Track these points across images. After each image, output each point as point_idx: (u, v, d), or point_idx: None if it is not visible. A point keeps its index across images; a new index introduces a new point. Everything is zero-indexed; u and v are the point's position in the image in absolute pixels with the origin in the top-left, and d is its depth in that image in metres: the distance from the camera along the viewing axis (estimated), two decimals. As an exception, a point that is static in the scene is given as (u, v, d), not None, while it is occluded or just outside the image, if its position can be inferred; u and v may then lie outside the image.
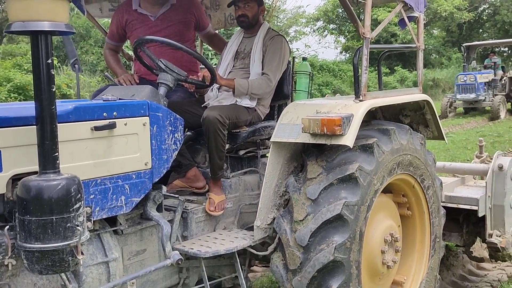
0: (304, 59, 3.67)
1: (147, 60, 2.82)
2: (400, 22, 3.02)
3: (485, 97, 15.14)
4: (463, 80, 15.26)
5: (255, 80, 3.04)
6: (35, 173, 1.92)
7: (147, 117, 2.29)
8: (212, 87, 3.02)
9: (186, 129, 2.97)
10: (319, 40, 27.55)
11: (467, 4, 28.98)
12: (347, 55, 27.58)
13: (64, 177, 1.77)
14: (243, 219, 2.98)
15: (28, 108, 1.95)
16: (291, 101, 3.37)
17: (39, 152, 1.76)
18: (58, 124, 1.87)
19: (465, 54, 16.67)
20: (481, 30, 34.18)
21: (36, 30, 1.66)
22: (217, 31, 3.84)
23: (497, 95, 15.29)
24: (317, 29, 27.95)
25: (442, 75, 25.15)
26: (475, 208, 3.50)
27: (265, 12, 3.32)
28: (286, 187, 2.65)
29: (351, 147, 2.44)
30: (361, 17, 2.72)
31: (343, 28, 27.18)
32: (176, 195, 2.59)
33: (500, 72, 16.08)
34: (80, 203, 1.79)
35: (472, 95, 15.10)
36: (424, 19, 3.07)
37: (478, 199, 3.47)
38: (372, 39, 2.56)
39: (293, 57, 3.31)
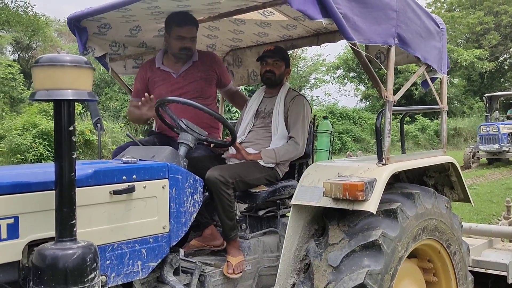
0: (325, 118, 3.66)
1: (168, 119, 2.84)
2: (423, 83, 3.00)
3: (509, 148, 14.87)
4: (486, 130, 15.08)
5: (281, 148, 3.04)
6: (51, 238, 1.91)
7: (167, 180, 2.28)
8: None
9: (206, 187, 2.94)
10: (339, 88, 27.79)
11: (488, 54, 29.08)
12: (367, 102, 27.68)
13: (81, 245, 1.73)
14: (262, 282, 2.89)
15: (47, 172, 1.95)
16: (312, 160, 3.34)
17: (57, 219, 1.74)
18: (77, 189, 1.87)
19: (487, 104, 16.55)
20: (502, 80, 34.12)
21: (59, 99, 1.68)
22: (239, 88, 3.88)
23: (522, 146, 15.01)
24: (337, 77, 28.26)
25: (464, 124, 24.94)
26: (504, 274, 3.33)
27: (289, 75, 3.35)
28: (307, 251, 2.56)
29: (374, 213, 2.37)
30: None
31: (363, 76, 27.41)
32: (194, 260, 2.53)
33: (523, 123, 15.84)
34: (95, 272, 1.74)
35: (496, 146, 14.85)
36: (447, 80, 3.04)
37: (508, 265, 3.31)
38: (395, 102, 2.54)
39: (314, 116, 3.29)
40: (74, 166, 1.76)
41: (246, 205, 3.13)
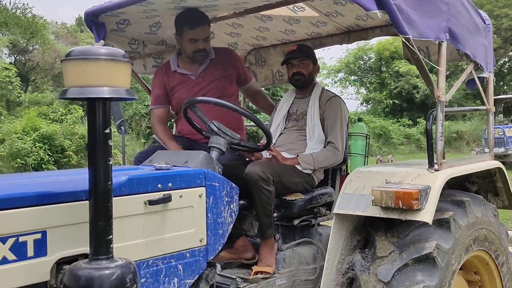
0: (359, 120, 3.46)
1: (197, 121, 2.63)
2: (468, 83, 2.80)
3: (515, 151, 14.75)
4: (491, 133, 14.92)
5: (320, 153, 2.85)
6: (83, 256, 1.69)
7: (204, 188, 2.06)
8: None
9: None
10: (341, 91, 27.61)
11: (488, 57, 28.93)
12: (368, 106, 27.54)
13: (119, 264, 1.52)
14: (298, 296, 2.68)
15: (77, 180, 1.74)
16: (346, 166, 3.14)
17: (91, 234, 1.53)
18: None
19: (491, 107, 16.40)
20: (501, 83, 34.11)
21: (94, 97, 1.47)
22: (262, 89, 3.67)
23: (527, 149, 14.88)
24: (338, 81, 28.11)
25: (466, 128, 24.83)
26: (548, 285, 3.13)
27: (318, 71, 3.15)
28: (352, 264, 2.36)
29: (430, 223, 2.17)
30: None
31: (365, 79, 27.29)
32: (233, 276, 2.32)
33: (528, 126, 15.73)
34: (135, 294, 1.53)
35: (501, 149, 14.69)
36: (494, 79, 2.85)
37: (553, 275, 3.11)
38: (446, 102, 2.34)
39: (348, 117, 3.09)
40: (111, 174, 1.55)
41: (277, 214, 2.92)
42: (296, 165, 2.77)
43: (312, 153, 2.82)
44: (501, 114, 16.54)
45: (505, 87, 34.25)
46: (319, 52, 27.16)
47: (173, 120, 3.40)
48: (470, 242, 2.43)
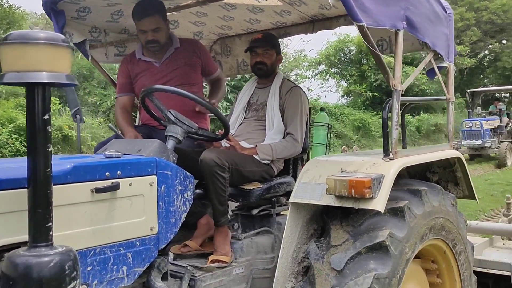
0: (322, 109, 3.46)
1: (154, 110, 2.60)
2: (428, 72, 2.81)
3: (491, 144, 14.94)
4: (468, 126, 15.13)
5: (279, 144, 2.84)
6: (25, 243, 1.67)
7: (155, 176, 2.04)
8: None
9: (196, 182, 2.72)
10: (321, 83, 27.64)
11: (469, 50, 29.36)
12: (349, 98, 27.65)
13: (58, 251, 1.49)
14: (256, 285, 2.67)
15: (20, 168, 1.70)
16: (307, 155, 3.14)
17: (30, 222, 1.50)
18: (55, 186, 1.62)
19: (469, 100, 16.64)
20: (482, 76, 34.57)
21: (32, 82, 1.44)
22: (227, 79, 3.64)
23: (503, 141, 15.11)
24: (319, 73, 28.14)
25: (445, 120, 25.05)
26: (507, 273, 3.20)
27: (281, 62, 3.13)
28: (307, 253, 2.36)
29: (382, 212, 2.18)
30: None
31: (345, 72, 27.38)
32: (184, 265, 2.30)
33: (505, 119, 15.97)
34: (75, 282, 1.51)
35: (478, 142, 14.91)
36: (454, 69, 2.87)
37: (511, 264, 3.17)
38: (402, 91, 2.35)
39: (310, 108, 3.09)
40: (50, 160, 1.52)
41: (237, 204, 2.91)
42: (254, 155, 2.76)
43: (271, 144, 2.82)
44: (479, 107, 16.76)
45: (485, 80, 34.74)
46: (299, 44, 27.23)
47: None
48: (426, 231, 2.45)
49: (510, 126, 15.83)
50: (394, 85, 2.30)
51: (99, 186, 1.85)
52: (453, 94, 2.88)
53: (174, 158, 2.26)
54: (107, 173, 1.89)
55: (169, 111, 2.44)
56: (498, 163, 14.44)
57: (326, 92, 25.84)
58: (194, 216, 2.65)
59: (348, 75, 27.46)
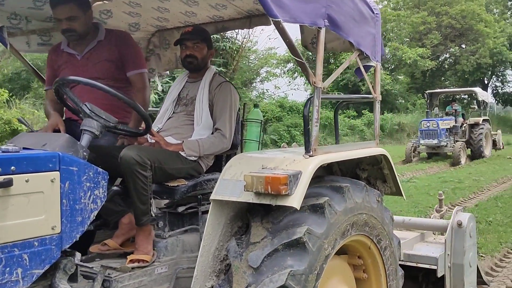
0: (255, 106, 3.42)
1: (71, 103, 2.50)
2: (356, 71, 2.83)
3: (447, 143, 15.43)
4: (426, 126, 15.56)
5: (206, 140, 2.79)
6: None
7: (57, 172, 1.93)
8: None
9: (119, 179, 2.65)
10: (289, 81, 27.76)
11: (430, 53, 30.11)
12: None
13: None
14: (180, 285, 2.62)
15: None
16: (241, 151, 3.12)
17: None
18: None
19: (428, 101, 17.08)
20: (443, 78, 35.52)
21: None
22: (148, 85, 3.37)
23: (458, 141, 15.62)
24: (287, 71, 28.25)
25: (407, 120, 25.69)
26: (434, 267, 3.27)
27: (213, 56, 3.09)
28: (227, 251, 2.33)
29: (298, 208, 2.17)
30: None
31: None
32: (91, 265, 2.22)
33: (460, 119, 16.47)
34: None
35: (435, 141, 15.35)
36: (381, 68, 2.89)
37: (437, 258, 3.26)
38: (324, 89, 2.34)
39: (244, 104, 3.06)
40: None
41: (166, 201, 2.85)
42: (180, 151, 2.71)
43: (198, 140, 2.77)
44: (436, 107, 17.21)
45: (446, 82, 35.67)
46: (269, 42, 27.16)
47: None
48: (347, 227, 2.46)
49: (464, 127, 16.32)
50: (315, 83, 2.29)
51: None
52: (378, 91, 2.88)
53: (85, 154, 2.17)
54: None
55: (85, 104, 2.34)
56: (452, 162, 14.88)
57: (294, 90, 25.96)
58: (115, 215, 2.58)
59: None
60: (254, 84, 24.76)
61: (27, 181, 1.83)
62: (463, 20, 30.87)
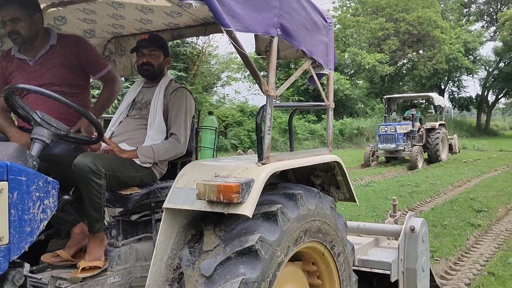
0: (210, 113, 3.43)
1: (22, 111, 2.44)
2: (309, 79, 2.88)
3: (404, 147, 15.80)
4: (384, 130, 15.90)
5: (161, 145, 2.78)
6: None
7: (5, 182, 1.88)
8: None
9: (73, 189, 2.60)
10: (250, 86, 27.85)
11: (388, 58, 30.87)
12: (277, 101, 28.07)
13: None
14: (134, 294, 2.60)
15: None
16: (196, 159, 3.11)
17: None
18: None
19: (386, 106, 17.48)
20: (401, 83, 36.53)
21: None
22: (122, 79, 3.52)
23: (415, 145, 16.02)
24: (247, 76, 28.30)
25: (366, 124, 26.23)
26: (387, 272, 3.35)
27: (169, 64, 3.08)
28: (180, 259, 2.32)
29: (250, 216, 2.19)
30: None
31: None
32: (40, 277, 2.17)
33: (417, 124, 16.92)
34: None
35: (392, 145, 15.72)
36: (333, 77, 2.95)
37: (391, 263, 3.33)
38: (276, 97, 2.37)
39: (199, 111, 3.06)
40: None
41: (120, 209, 2.81)
42: (134, 159, 2.68)
43: (152, 145, 2.75)
44: (394, 112, 17.65)
45: (405, 87, 36.69)
46: (230, 47, 27.15)
47: None
48: (301, 234, 2.49)
49: (421, 131, 16.79)
50: (267, 91, 2.31)
51: None
52: (331, 99, 2.94)
53: (34, 163, 2.13)
54: None
55: (35, 112, 2.29)
56: (410, 166, 15.27)
57: (254, 95, 26.09)
58: (67, 224, 2.53)
59: (276, 79, 27.84)
60: (215, 88, 24.75)
61: None
62: (420, 26, 31.85)
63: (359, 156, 17.44)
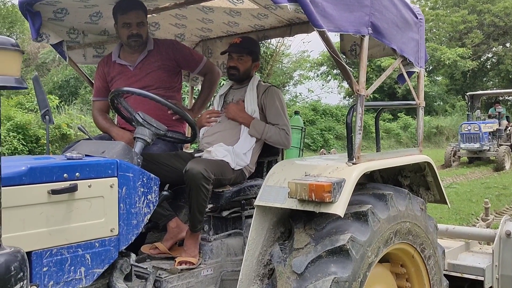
0: (296, 113, 3.46)
1: (125, 112, 2.63)
2: (399, 77, 2.83)
3: (490, 147, 14.86)
4: (467, 129, 15.07)
5: (272, 128, 2.90)
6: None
7: (116, 178, 2.07)
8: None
9: (167, 185, 2.75)
10: (323, 85, 27.63)
11: (471, 53, 29.24)
12: (350, 100, 27.63)
13: (4, 252, 1.52)
14: (225, 287, 2.70)
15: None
16: (282, 158, 3.16)
17: (-23, 223, 1.53)
18: (9, 188, 1.69)
19: (469, 103, 16.58)
20: (485, 79, 34.43)
21: (-18, 85, 1.46)
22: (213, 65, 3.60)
23: (502, 145, 15.03)
24: (320, 74, 28.11)
25: (446, 123, 25.06)
26: (480, 278, 3.20)
27: (258, 68, 3.14)
28: (271, 256, 2.38)
29: (342, 216, 2.19)
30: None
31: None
32: (145, 266, 2.33)
33: (504, 122, 15.89)
34: (22, 283, 1.53)
35: (476, 145, 14.85)
36: (425, 75, 2.87)
37: (485, 269, 3.19)
38: (367, 96, 2.36)
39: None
40: (-1, 162, 1.55)
41: (210, 205, 2.93)
42: (244, 129, 2.84)
43: (266, 124, 2.87)
44: (478, 110, 16.70)
45: (489, 83, 34.58)
46: (301, 45, 27.12)
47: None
48: (391, 235, 2.46)
49: (509, 130, 15.75)
50: (358, 90, 2.31)
51: (55, 187, 1.88)
52: (422, 98, 2.86)
53: (139, 161, 2.29)
54: (65, 175, 1.92)
55: (138, 113, 2.47)
56: (496, 167, 14.38)
57: (327, 93, 25.89)
58: (163, 219, 2.68)
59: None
60: (288, 87, 24.78)
61: (89, 186, 1.96)
62: (507, 17, 29.82)
63: (438, 156, 16.68)
